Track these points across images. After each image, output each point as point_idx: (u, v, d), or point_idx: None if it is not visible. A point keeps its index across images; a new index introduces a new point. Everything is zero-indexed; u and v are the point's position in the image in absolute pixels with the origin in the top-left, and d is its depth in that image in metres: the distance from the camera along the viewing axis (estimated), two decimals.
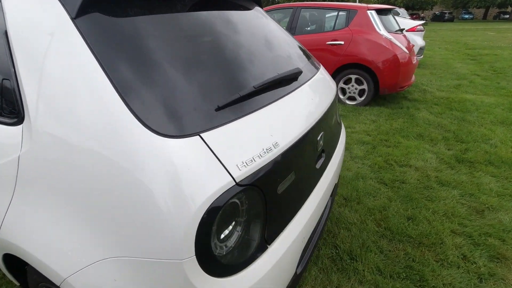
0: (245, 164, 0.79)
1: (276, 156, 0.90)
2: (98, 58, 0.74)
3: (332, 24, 4.38)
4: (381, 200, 2.17)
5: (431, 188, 2.31)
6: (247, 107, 0.91)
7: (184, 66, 0.87)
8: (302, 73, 1.25)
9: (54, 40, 0.77)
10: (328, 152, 1.42)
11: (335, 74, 4.32)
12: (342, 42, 4.17)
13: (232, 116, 0.86)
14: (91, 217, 0.74)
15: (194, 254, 0.70)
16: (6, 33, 0.83)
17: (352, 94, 4.37)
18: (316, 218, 1.23)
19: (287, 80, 1.16)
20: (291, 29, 4.55)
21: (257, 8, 1.56)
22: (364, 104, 4.30)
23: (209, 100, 0.84)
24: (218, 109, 0.84)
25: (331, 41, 4.24)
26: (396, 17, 5.79)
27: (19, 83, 0.81)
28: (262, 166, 0.84)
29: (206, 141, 0.76)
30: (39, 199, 0.80)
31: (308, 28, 4.63)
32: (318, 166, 1.27)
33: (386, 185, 2.37)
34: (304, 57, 1.56)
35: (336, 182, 1.61)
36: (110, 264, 0.72)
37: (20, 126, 0.83)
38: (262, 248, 0.88)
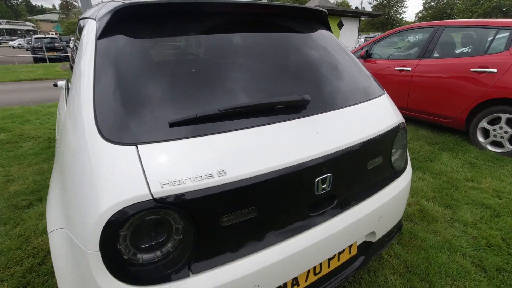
0: (170, 183, 0.80)
1: (218, 184, 0.85)
2: (95, 70, 0.95)
3: (484, 46, 3.42)
4: None
5: None
6: (206, 129, 0.91)
7: (153, 83, 0.96)
8: (311, 103, 1.10)
9: (87, 48, 1.03)
10: (346, 201, 1.17)
11: (476, 110, 3.35)
12: (495, 70, 3.19)
13: (183, 134, 0.88)
14: (63, 195, 0.93)
15: (98, 249, 0.78)
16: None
17: (498, 139, 3.26)
18: (297, 271, 1.05)
19: (282, 108, 1.05)
20: (427, 51, 3.86)
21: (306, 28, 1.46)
22: None
23: (164, 116, 0.89)
24: (172, 125, 0.88)
25: (478, 67, 3.31)
26: None
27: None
28: (194, 191, 0.82)
29: (139, 152, 0.82)
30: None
31: (449, 51, 3.80)
32: (315, 213, 1.08)
33: (485, 271, 1.67)
34: (347, 83, 1.35)
35: (374, 241, 1.31)
36: (61, 233, 0.89)
37: None
38: (182, 274, 0.86)
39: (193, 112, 0.91)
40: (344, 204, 1.18)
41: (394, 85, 4.14)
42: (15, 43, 33.33)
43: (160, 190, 0.79)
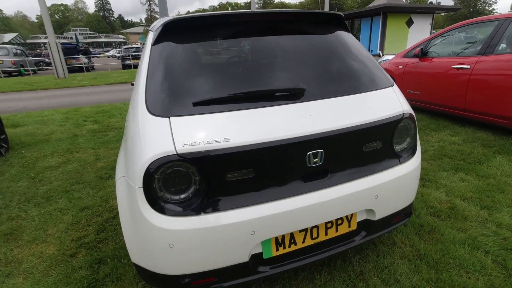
0: (189, 144, 1.15)
1: (223, 147, 1.16)
2: (148, 68, 1.35)
3: None
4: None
5: None
6: (218, 108, 1.23)
7: (184, 75, 1.32)
8: (307, 91, 1.33)
9: (145, 53, 1.45)
10: (339, 176, 1.37)
11: None
12: None
13: (201, 111, 1.22)
14: (125, 153, 1.36)
15: (142, 186, 1.16)
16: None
17: None
18: (289, 228, 1.29)
19: (282, 94, 1.31)
20: (489, 47, 3.56)
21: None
22: None
23: (189, 98, 1.24)
24: (196, 104, 1.23)
25: None
26: None
27: None
28: (205, 151, 1.15)
29: (171, 122, 1.18)
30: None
31: None
32: (308, 182, 1.31)
33: (506, 269, 1.63)
34: (352, 76, 1.53)
35: (374, 220, 1.47)
36: (123, 179, 1.32)
37: None
38: (195, 212, 1.19)
39: (210, 96, 1.24)
40: (338, 179, 1.37)
41: (451, 84, 3.90)
42: (110, 53, 39.54)
43: (182, 148, 1.14)
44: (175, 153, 1.13)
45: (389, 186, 1.47)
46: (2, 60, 16.29)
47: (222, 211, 1.20)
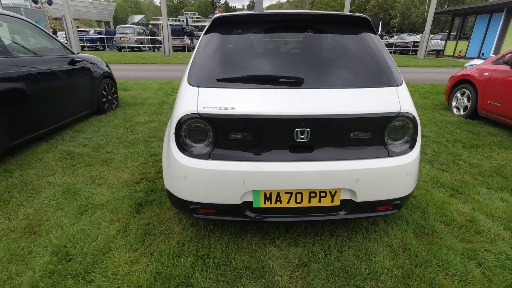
0: (206, 108, 1.61)
1: (229, 113, 1.58)
2: (196, 52, 1.86)
3: None
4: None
5: None
6: (233, 85, 1.65)
7: (216, 59, 1.77)
8: (304, 80, 1.63)
9: (199, 40, 1.96)
10: (323, 154, 1.64)
11: None
12: None
13: (221, 86, 1.66)
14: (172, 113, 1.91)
15: (174, 132, 1.69)
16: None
17: None
18: (274, 185, 1.64)
19: (284, 81, 1.64)
20: None
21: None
22: None
23: (215, 76, 1.70)
24: (218, 80, 1.68)
25: None
26: None
27: None
28: (216, 113, 1.59)
29: (199, 91, 1.67)
30: None
31: None
32: (294, 153, 1.63)
33: (489, 282, 1.63)
34: (359, 73, 1.73)
35: (356, 201, 1.69)
36: (167, 129, 1.88)
37: None
38: (205, 157, 1.66)
39: (228, 76, 1.67)
40: (321, 155, 1.64)
41: None
42: None
43: (202, 110, 1.61)
44: (197, 112, 1.61)
45: (371, 173, 1.66)
46: (129, 38, 19.92)
47: (223, 160, 1.64)
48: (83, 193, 2.42)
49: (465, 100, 4.78)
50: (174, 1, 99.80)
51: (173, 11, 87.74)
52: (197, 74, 1.75)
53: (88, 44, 19.61)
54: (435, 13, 17.10)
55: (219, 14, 1.93)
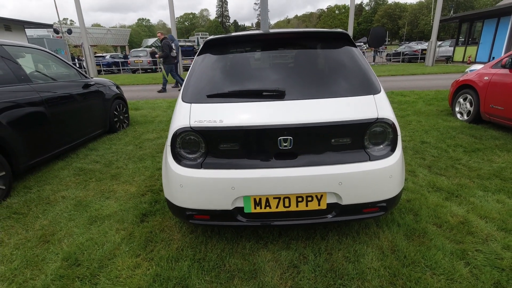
0: (197, 121, 1.78)
1: (218, 126, 1.74)
2: (189, 71, 2.05)
3: None
4: None
5: None
6: (221, 100, 1.82)
7: (206, 77, 1.95)
8: (286, 92, 1.78)
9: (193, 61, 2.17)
10: (307, 160, 1.75)
11: None
12: None
13: (211, 101, 1.83)
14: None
15: (170, 145, 1.86)
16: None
17: None
18: (262, 191, 1.76)
19: (267, 94, 1.79)
20: None
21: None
22: None
23: (205, 92, 1.87)
24: (208, 96, 1.85)
25: None
26: None
27: None
28: (206, 126, 1.76)
29: (191, 107, 1.84)
30: None
31: None
32: (279, 160, 1.76)
33: (477, 279, 1.66)
34: (338, 83, 1.86)
35: (342, 204, 1.77)
36: (166, 143, 2.05)
37: None
38: (198, 166, 1.81)
39: (217, 91, 1.84)
40: (304, 161, 1.76)
41: None
42: None
43: (193, 124, 1.78)
44: (189, 126, 1.78)
45: (354, 177, 1.75)
46: (142, 60, 20.88)
47: (214, 169, 1.79)
48: (93, 206, 2.61)
49: (468, 105, 4.78)
50: (186, 24, 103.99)
51: (185, 33, 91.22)
52: (190, 91, 1.94)
53: (104, 68, 20.67)
54: (442, 20, 17.09)
55: (211, 37, 2.13)
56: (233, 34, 2.09)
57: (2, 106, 2.80)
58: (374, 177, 1.78)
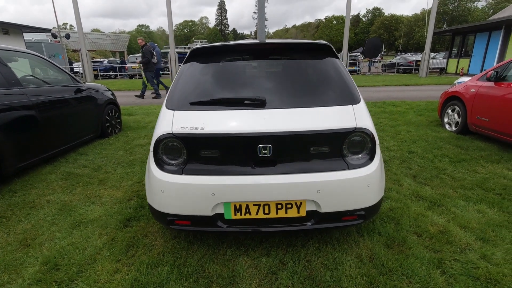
0: (179, 128, 1.80)
1: (199, 133, 1.77)
2: (175, 79, 2.09)
3: None
4: None
5: None
6: (203, 108, 1.85)
7: (190, 85, 1.99)
8: (268, 101, 1.82)
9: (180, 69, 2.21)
10: (286, 168, 1.78)
11: None
12: None
13: (193, 108, 1.86)
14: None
15: (152, 150, 1.88)
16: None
17: None
18: (242, 198, 1.78)
19: (249, 103, 1.83)
20: None
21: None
22: None
23: (189, 100, 1.91)
24: (191, 104, 1.89)
25: None
26: None
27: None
28: (188, 133, 1.78)
29: (174, 114, 1.87)
30: None
31: None
32: (259, 167, 1.79)
33: None
34: (318, 93, 1.91)
35: (321, 212, 1.79)
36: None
37: None
38: (179, 172, 1.83)
39: (200, 99, 1.88)
40: (283, 169, 1.79)
41: None
42: None
43: (175, 130, 1.80)
44: (171, 132, 1.81)
45: (332, 185, 1.78)
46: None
47: (195, 175, 1.81)
48: (78, 210, 2.61)
49: (456, 116, 4.87)
50: (185, 31, 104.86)
51: (184, 40, 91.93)
52: (174, 98, 1.97)
53: (101, 73, 20.71)
54: (435, 33, 17.44)
55: (197, 46, 2.18)
56: (219, 43, 2.14)
57: None
58: (352, 185, 1.81)
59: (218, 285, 1.75)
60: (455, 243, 2.08)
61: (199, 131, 1.77)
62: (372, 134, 1.84)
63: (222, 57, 2.17)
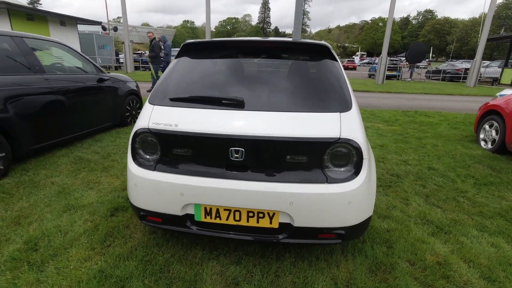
0: (155, 124, 1.77)
1: (172, 130, 1.72)
2: (166, 71, 2.06)
3: None
4: None
5: None
6: (182, 104, 1.80)
7: (180, 83, 1.94)
8: (249, 103, 1.71)
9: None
10: (258, 174, 1.67)
11: None
12: None
13: (171, 105, 1.82)
14: None
15: (130, 144, 1.88)
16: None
17: None
18: (211, 201, 1.71)
19: (227, 103, 1.74)
20: None
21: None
22: None
23: (170, 95, 1.86)
24: (171, 99, 1.84)
25: None
26: None
27: None
28: (162, 129, 1.75)
29: (153, 109, 1.84)
30: None
31: None
32: (230, 171, 1.69)
33: None
34: (304, 97, 1.76)
35: (294, 226, 1.66)
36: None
37: None
38: (151, 168, 1.80)
39: (180, 96, 1.83)
40: (256, 176, 1.67)
41: None
42: None
43: (151, 126, 1.77)
44: (147, 127, 1.78)
45: (306, 198, 1.63)
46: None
47: (165, 172, 1.77)
48: (74, 194, 2.72)
49: (493, 132, 4.33)
50: (228, 27, 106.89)
51: (226, 36, 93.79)
52: (157, 93, 1.94)
53: (142, 65, 21.81)
54: (489, 39, 15.80)
55: (189, 41, 2.13)
56: (212, 39, 2.07)
57: (9, 93, 3.03)
58: (329, 201, 1.65)
59: None
60: (452, 278, 1.82)
61: (172, 128, 1.72)
62: (359, 146, 1.65)
63: (213, 54, 2.10)
